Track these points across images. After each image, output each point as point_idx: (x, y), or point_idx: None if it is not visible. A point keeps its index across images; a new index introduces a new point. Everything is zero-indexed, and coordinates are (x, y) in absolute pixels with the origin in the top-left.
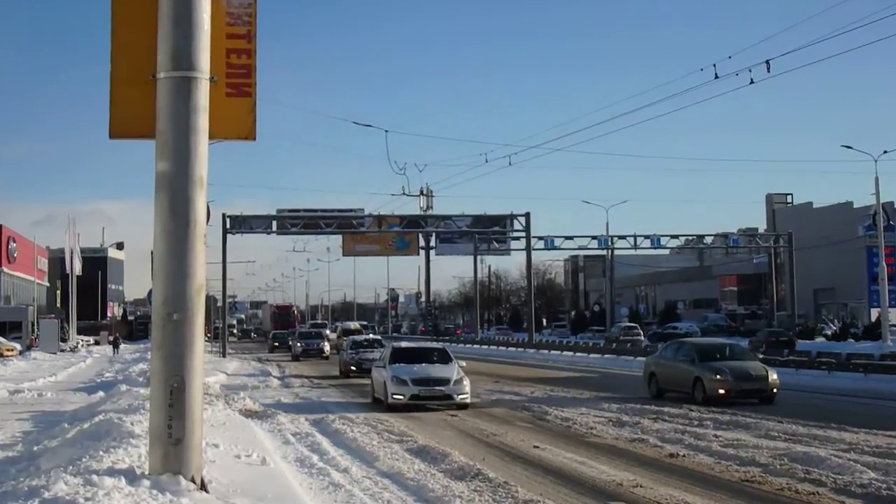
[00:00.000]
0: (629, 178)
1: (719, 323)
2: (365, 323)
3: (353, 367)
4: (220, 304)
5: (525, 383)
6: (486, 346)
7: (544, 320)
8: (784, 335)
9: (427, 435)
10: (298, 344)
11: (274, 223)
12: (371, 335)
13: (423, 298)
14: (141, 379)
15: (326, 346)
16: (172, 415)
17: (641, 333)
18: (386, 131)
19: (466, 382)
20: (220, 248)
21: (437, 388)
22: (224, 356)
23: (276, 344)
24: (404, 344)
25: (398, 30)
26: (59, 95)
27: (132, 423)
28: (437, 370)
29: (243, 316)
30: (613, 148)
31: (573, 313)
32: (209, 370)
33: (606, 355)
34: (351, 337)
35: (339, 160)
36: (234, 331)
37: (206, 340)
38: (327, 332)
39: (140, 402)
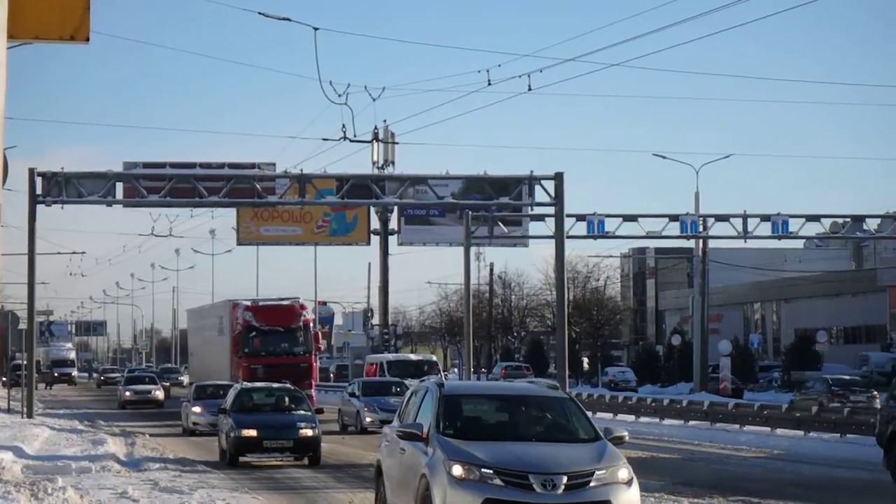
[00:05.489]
0: (736, 115)
1: (886, 370)
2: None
3: None
4: (23, 325)
5: None
6: None
7: (585, 361)
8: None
9: None
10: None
11: (119, 186)
12: None
13: (375, 319)
14: None
15: None
16: None
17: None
18: (315, 29)
19: None
20: (26, 228)
21: None
22: (31, 416)
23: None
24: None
25: None
26: None
27: None
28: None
29: (70, 347)
30: (710, 61)
31: (636, 347)
32: (5, 439)
33: (692, 422)
34: None
35: (233, 82)
36: (73, 374)
37: None
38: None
39: None
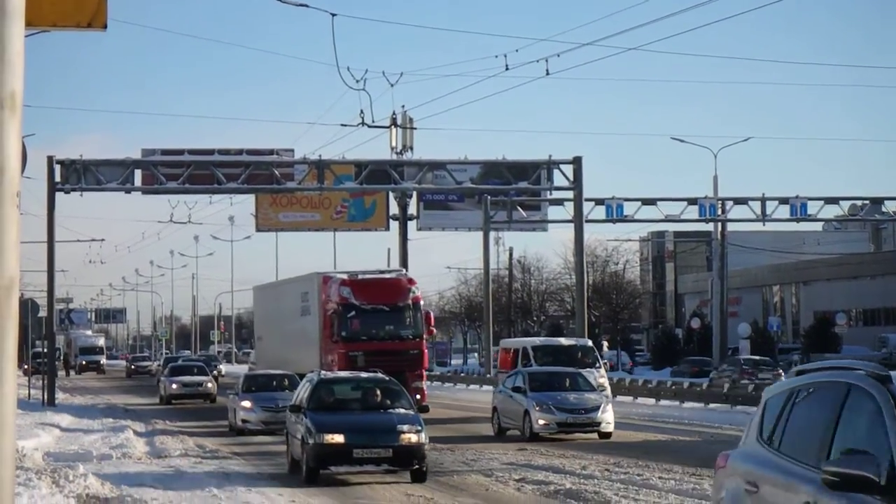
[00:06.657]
0: (754, 99)
1: None
2: None
3: None
4: (43, 313)
5: (576, 452)
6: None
7: (605, 345)
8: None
9: None
10: None
11: (137, 174)
12: None
13: None
14: None
15: None
16: None
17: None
18: (333, 15)
19: None
20: (45, 216)
21: None
22: (52, 403)
23: None
24: None
25: None
26: None
27: None
28: None
29: (98, 334)
30: (728, 44)
31: (655, 331)
32: (26, 427)
33: (713, 405)
34: None
35: (251, 68)
36: (102, 361)
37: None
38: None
39: None
